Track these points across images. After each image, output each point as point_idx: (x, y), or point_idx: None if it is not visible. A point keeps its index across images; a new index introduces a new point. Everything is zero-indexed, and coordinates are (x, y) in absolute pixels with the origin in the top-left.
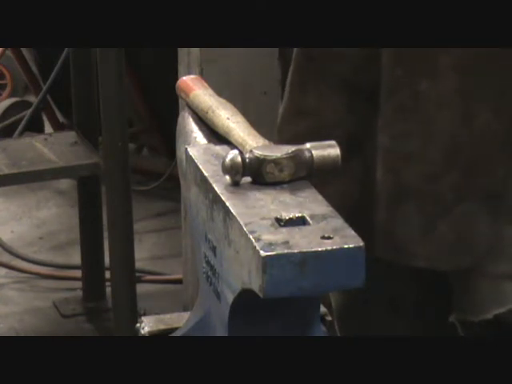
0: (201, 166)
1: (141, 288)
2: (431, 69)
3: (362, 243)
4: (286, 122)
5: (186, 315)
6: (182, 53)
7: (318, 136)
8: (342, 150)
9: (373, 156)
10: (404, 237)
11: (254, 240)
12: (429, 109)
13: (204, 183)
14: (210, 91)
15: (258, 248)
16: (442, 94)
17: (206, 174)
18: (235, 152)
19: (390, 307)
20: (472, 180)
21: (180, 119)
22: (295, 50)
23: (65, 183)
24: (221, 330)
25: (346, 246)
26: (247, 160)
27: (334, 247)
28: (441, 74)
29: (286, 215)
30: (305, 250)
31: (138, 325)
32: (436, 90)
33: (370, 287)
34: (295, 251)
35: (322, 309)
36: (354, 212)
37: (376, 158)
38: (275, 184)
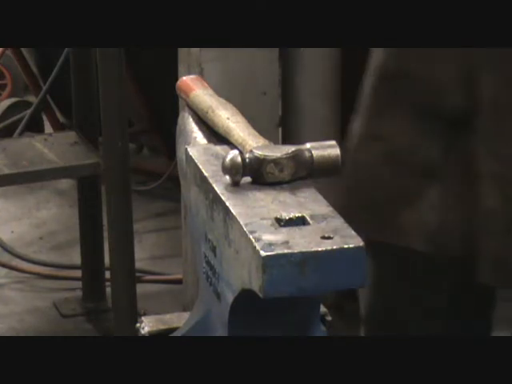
0: (201, 166)
1: (141, 288)
2: None
3: (361, 243)
4: (360, 146)
5: (186, 315)
6: (182, 53)
7: (392, 162)
8: (417, 176)
9: (453, 182)
10: None
11: (253, 240)
12: None
13: (204, 183)
14: (210, 91)
15: (257, 248)
16: None
17: (205, 174)
18: (235, 152)
19: (425, 314)
20: None
21: (180, 119)
22: (370, 70)
23: (65, 183)
24: (221, 330)
25: (345, 246)
26: (247, 160)
27: (334, 247)
28: None
29: (285, 215)
30: (305, 250)
31: (138, 325)
32: None
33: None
34: (295, 251)
35: (322, 309)
36: (431, 239)
37: (475, 185)
38: (275, 184)
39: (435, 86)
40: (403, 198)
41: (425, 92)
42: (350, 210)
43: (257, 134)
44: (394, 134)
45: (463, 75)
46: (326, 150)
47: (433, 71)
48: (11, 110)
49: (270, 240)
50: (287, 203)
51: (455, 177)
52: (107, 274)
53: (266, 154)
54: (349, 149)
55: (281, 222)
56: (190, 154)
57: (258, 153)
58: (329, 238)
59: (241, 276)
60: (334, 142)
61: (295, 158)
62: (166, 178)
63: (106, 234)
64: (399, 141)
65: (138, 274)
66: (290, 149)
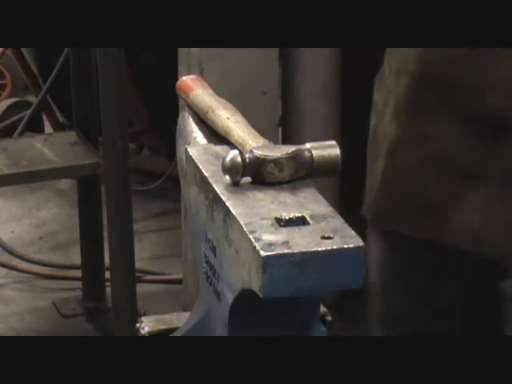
0: (201, 166)
1: (141, 288)
2: None
3: (361, 243)
4: (399, 148)
5: (186, 315)
6: (182, 53)
7: (434, 164)
8: (459, 178)
9: (495, 185)
10: None
11: (253, 240)
12: None
13: (204, 183)
14: (210, 91)
15: (258, 248)
16: None
17: (205, 174)
18: (235, 152)
19: (435, 314)
20: None
21: (180, 119)
22: (391, 70)
23: (65, 183)
24: (221, 330)
25: (345, 246)
26: (247, 160)
27: (334, 247)
28: None
29: (286, 215)
30: (305, 249)
31: (138, 325)
32: None
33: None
34: (295, 251)
35: (322, 309)
36: (474, 239)
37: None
38: (275, 184)
39: (477, 88)
40: (445, 200)
41: (466, 94)
42: (387, 206)
43: (257, 134)
44: (434, 136)
45: (509, 77)
46: (326, 149)
47: (476, 73)
48: (11, 110)
49: (269, 240)
50: (287, 203)
51: (497, 179)
52: (107, 274)
53: (266, 153)
54: (381, 150)
55: (281, 222)
56: (190, 154)
57: (258, 153)
58: (329, 237)
59: (241, 276)
60: (334, 142)
61: (295, 158)
62: (166, 178)
63: (106, 234)
64: (440, 143)
65: (137, 274)
66: (290, 149)
